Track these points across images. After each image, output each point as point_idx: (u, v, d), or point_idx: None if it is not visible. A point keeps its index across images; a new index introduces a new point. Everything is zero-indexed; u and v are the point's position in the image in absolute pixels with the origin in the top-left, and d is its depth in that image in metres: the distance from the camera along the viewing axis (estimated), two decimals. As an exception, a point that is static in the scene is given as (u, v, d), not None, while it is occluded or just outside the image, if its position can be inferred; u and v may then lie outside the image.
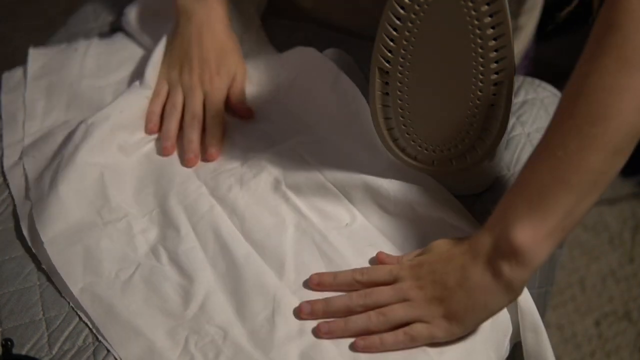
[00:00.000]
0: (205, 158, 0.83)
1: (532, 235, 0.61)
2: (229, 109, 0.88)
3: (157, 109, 0.87)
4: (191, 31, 0.87)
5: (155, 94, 0.87)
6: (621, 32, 0.60)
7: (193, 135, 0.84)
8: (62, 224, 0.78)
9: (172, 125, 0.85)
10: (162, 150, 0.84)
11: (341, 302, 0.67)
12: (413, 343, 0.65)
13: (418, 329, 0.65)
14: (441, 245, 0.68)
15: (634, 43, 0.60)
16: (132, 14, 0.99)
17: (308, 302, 0.68)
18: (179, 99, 0.86)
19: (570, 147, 0.60)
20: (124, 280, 0.73)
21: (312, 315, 0.67)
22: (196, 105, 0.86)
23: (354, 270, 0.70)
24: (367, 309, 0.66)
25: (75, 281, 0.73)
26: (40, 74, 0.95)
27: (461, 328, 0.64)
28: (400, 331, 0.65)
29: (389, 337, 0.65)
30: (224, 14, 0.89)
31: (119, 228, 0.77)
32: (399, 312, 0.65)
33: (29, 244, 0.78)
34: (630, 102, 0.60)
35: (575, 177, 0.61)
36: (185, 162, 0.83)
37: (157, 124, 0.86)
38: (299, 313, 0.68)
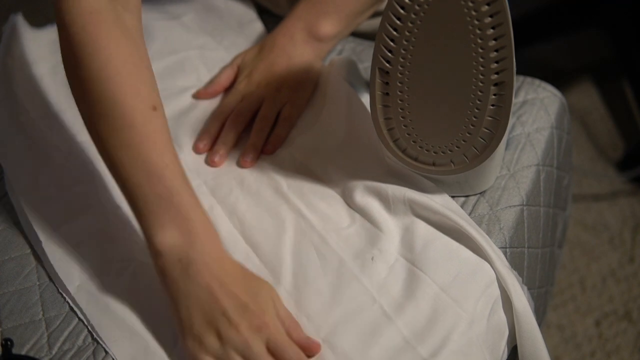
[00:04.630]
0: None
1: (331, 28, 0.89)
2: None
3: None
4: (200, 284, 0.65)
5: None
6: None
7: None
8: (58, 222, 0.78)
9: None
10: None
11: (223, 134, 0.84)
12: (291, 121, 0.85)
13: (285, 110, 0.85)
14: (254, 53, 0.90)
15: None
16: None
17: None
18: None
19: None
20: (120, 276, 0.73)
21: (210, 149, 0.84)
22: None
23: (220, 112, 0.87)
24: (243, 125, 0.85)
25: (72, 280, 0.74)
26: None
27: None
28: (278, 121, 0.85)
29: (279, 130, 0.84)
30: (217, 239, 0.69)
31: (113, 221, 0.77)
32: (262, 110, 0.85)
33: (29, 238, 0.79)
34: None
35: None
36: None
37: None
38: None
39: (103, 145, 0.67)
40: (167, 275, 0.65)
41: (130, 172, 0.66)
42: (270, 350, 0.64)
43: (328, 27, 0.88)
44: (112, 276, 0.74)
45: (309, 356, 0.66)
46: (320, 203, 0.77)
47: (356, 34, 0.99)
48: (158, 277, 0.67)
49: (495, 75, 0.66)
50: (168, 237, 0.65)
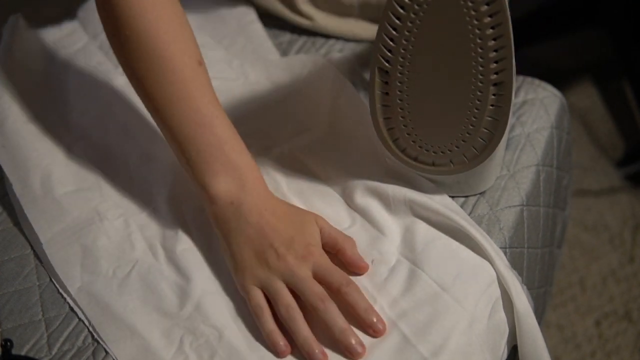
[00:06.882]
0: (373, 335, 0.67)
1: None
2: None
3: (274, 326, 0.67)
4: (250, 222, 0.70)
5: (258, 310, 0.68)
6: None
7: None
8: (59, 224, 0.78)
9: (304, 327, 0.67)
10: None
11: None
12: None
13: None
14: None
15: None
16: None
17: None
18: (285, 295, 0.68)
19: None
20: (121, 278, 0.73)
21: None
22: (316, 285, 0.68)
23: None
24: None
25: (73, 281, 0.74)
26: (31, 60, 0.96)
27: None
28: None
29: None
30: (263, 182, 0.73)
31: (116, 225, 0.78)
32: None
33: (29, 239, 0.79)
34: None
35: None
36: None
37: (287, 342, 0.66)
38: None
39: (151, 100, 0.72)
40: (220, 217, 0.71)
41: (181, 124, 0.71)
42: (317, 276, 0.68)
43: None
44: (113, 277, 0.74)
45: (357, 274, 0.70)
46: (319, 203, 0.77)
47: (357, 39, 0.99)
48: (211, 221, 0.72)
49: (495, 76, 0.66)
50: (222, 184, 0.70)
